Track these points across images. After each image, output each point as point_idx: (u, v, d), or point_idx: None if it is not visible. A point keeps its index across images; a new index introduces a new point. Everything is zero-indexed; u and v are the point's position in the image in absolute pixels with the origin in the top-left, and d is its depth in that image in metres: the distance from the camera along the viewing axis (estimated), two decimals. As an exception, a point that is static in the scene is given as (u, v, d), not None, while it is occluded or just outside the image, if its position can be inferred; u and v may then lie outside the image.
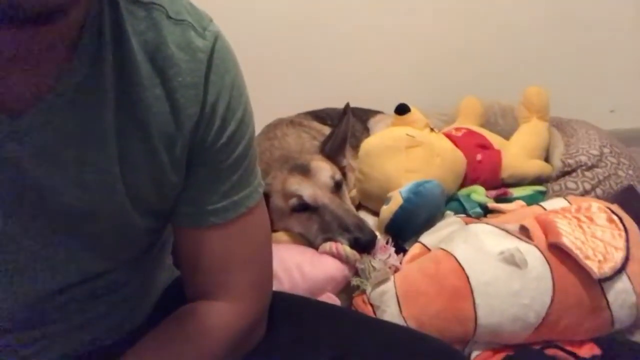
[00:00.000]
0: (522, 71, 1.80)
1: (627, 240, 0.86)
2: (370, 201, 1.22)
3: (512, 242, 0.87)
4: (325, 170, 1.05)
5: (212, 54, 0.56)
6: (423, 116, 1.29)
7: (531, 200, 1.18)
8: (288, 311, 0.72)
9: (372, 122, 1.64)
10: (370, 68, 2.00)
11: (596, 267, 0.81)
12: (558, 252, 0.85)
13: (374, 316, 0.87)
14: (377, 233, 1.03)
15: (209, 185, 0.61)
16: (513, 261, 0.83)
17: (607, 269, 0.82)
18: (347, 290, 0.94)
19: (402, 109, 1.28)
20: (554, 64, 1.83)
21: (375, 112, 1.71)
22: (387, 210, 1.01)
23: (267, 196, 1.07)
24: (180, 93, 0.54)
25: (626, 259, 0.84)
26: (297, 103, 1.61)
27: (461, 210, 1.15)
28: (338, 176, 1.06)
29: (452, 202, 1.19)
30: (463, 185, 1.28)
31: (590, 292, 0.82)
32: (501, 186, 1.28)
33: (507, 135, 1.50)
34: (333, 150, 1.13)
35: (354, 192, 1.25)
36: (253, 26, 1.83)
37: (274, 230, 1.08)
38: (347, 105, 1.15)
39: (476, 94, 1.71)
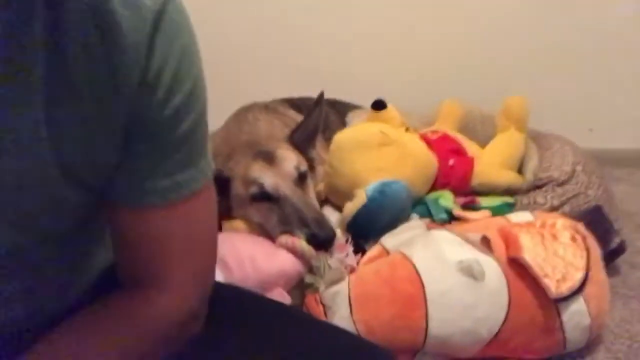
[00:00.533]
0: (507, 80, 1.78)
1: (588, 261, 0.84)
2: (336, 196, 1.18)
3: (471, 253, 0.84)
4: (290, 160, 1.01)
5: (161, 15, 0.50)
6: (399, 114, 1.26)
7: (498, 211, 1.16)
8: (231, 307, 0.68)
9: (351, 116, 1.61)
10: (354, 61, 1.97)
11: (554, 287, 0.79)
12: (517, 267, 0.83)
13: (323, 317, 0.84)
14: (339, 230, 0.99)
15: (149, 161, 0.56)
16: (470, 272, 0.81)
17: (564, 289, 0.80)
18: (300, 287, 0.91)
19: (378, 105, 1.24)
20: (539, 76, 1.82)
21: (355, 107, 1.67)
22: (350, 208, 0.98)
23: (227, 181, 1.03)
24: (119, 55, 0.49)
25: (584, 280, 0.82)
26: (277, 90, 1.57)
27: (427, 214, 1.12)
28: (303, 167, 1.02)
29: (419, 206, 1.16)
30: (433, 189, 1.25)
31: (545, 312, 0.80)
32: (471, 194, 1.26)
33: (484, 142, 1.48)
34: (302, 140, 1.09)
35: (321, 186, 1.22)
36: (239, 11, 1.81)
37: (233, 218, 1.04)
38: (321, 94, 1.11)
39: (459, 98, 1.69)
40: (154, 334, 0.57)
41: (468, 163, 1.28)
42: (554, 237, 0.86)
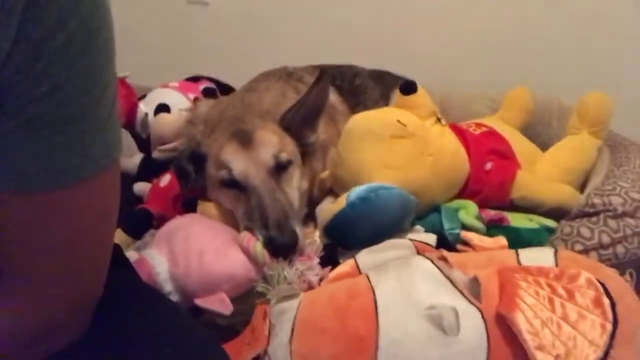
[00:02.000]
0: (595, 70, 1.46)
1: (612, 337, 0.62)
2: (340, 188, 1.02)
3: (450, 297, 0.66)
4: (269, 145, 0.86)
5: None
6: (431, 102, 1.04)
7: (533, 236, 0.94)
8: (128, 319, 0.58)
9: (395, 94, 1.41)
10: (417, 33, 1.76)
11: (547, 365, 0.59)
12: (506, 328, 0.63)
13: (266, 335, 0.71)
14: (317, 234, 0.85)
15: (20, 141, 0.47)
16: (440, 323, 0.63)
17: (564, 370, 0.59)
18: (251, 295, 0.78)
19: (407, 88, 1.04)
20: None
21: (408, 82, 1.47)
22: (328, 210, 0.82)
23: (204, 158, 0.91)
24: None
25: (601, 363, 0.61)
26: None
27: (439, 226, 0.93)
28: (285, 156, 0.88)
29: (433, 214, 0.97)
30: (461, 196, 1.04)
31: (530, 394, 0.61)
32: (509, 208, 1.04)
33: (558, 141, 1.23)
34: (295, 122, 0.93)
35: (326, 174, 1.06)
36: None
37: (207, 199, 0.93)
38: (323, 71, 0.94)
39: (536, 86, 1.42)
40: None
41: (509, 169, 1.05)
42: (570, 295, 0.65)
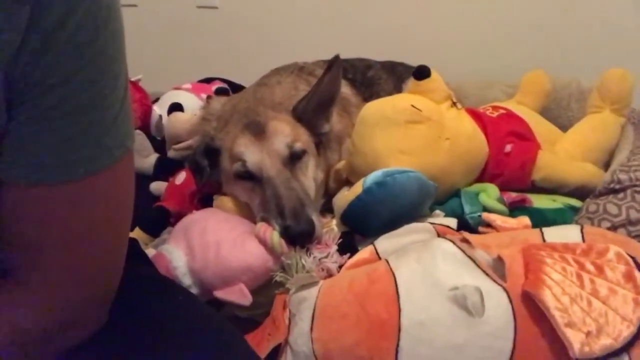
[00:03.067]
0: (617, 50, 1.42)
1: (646, 312, 0.59)
2: (355, 178, 0.99)
3: (474, 278, 0.64)
4: (282, 135, 0.85)
5: None
6: (445, 86, 1.02)
7: (558, 217, 0.91)
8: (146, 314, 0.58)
9: (409, 83, 1.39)
10: (425, 20, 1.73)
11: (579, 342, 0.57)
12: (533, 307, 0.61)
13: (286, 324, 0.70)
14: (334, 223, 0.83)
15: (34, 133, 0.47)
16: (464, 304, 0.61)
17: (596, 347, 0.57)
18: (270, 285, 0.77)
19: (421, 73, 1.02)
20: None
21: (420, 72, 1.44)
22: (345, 198, 0.81)
23: (218, 152, 0.91)
24: None
25: (635, 338, 0.58)
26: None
27: (461, 210, 0.91)
28: (299, 145, 0.86)
29: (453, 199, 0.95)
30: (481, 179, 1.02)
31: (562, 373, 0.58)
32: (531, 190, 1.01)
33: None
34: (307, 112, 0.92)
35: (342, 164, 1.05)
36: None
37: (222, 194, 0.93)
38: (336, 57, 0.93)
39: (554, 68, 1.39)
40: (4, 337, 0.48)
41: (530, 150, 1.02)
42: (600, 270, 0.62)
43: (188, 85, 1.54)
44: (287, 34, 1.98)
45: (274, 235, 0.76)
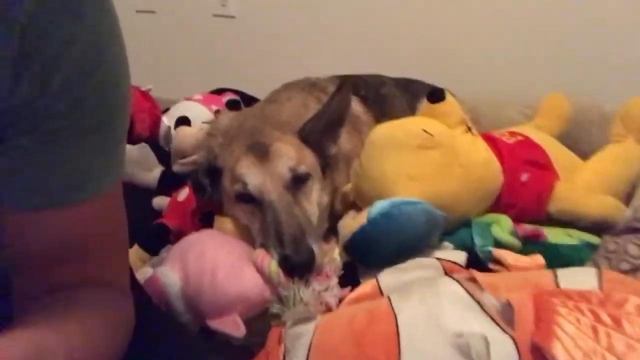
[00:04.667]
0: (637, 74, 1.37)
1: (668, 372, 0.55)
2: (362, 202, 0.97)
3: (480, 324, 0.60)
4: (286, 158, 0.82)
5: None
6: (460, 110, 0.98)
7: (573, 254, 0.86)
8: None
9: (422, 103, 1.35)
10: (447, 36, 1.70)
11: (592, 404, 0.52)
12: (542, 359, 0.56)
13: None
14: (337, 251, 0.80)
15: (35, 156, 0.47)
16: (468, 353, 0.57)
17: (611, 410, 0.52)
18: (266, 316, 0.74)
19: (434, 96, 0.98)
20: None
21: (436, 90, 1.41)
22: (348, 227, 0.77)
23: (220, 172, 0.88)
24: None
25: (654, 402, 0.53)
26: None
27: (469, 243, 0.87)
28: (303, 169, 0.83)
29: (464, 230, 0.91)
30: (494, 209, 0.98)
31: None
32: (546, 222, 0.96)
33: (599, 151, 1.14)
34: (314, 133, 0.89)
35: (349, 186, 1.01)
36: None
37: (224, 214, 0.90)
38: (345, 80, 0.89)
39: (573, 86, 1.35)
40: (124, 327, 0.53)
41: (547, 180, 0.97)
42: (617, 323, 0.57)
43: (199, 96, 1.52)
44: (304, 46, 1.97)
45: (271, 265, 0.72)
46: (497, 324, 0.59)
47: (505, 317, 0.60)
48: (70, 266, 0.50)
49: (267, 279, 0.72)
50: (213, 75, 1.95)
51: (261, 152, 0.83)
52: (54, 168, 0.47)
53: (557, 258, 0.84)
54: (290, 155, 0.83)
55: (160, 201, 1.08)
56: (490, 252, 0.82)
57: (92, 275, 0.52)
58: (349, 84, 0.89)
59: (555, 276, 0.66)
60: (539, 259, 0.74)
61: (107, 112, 0.49)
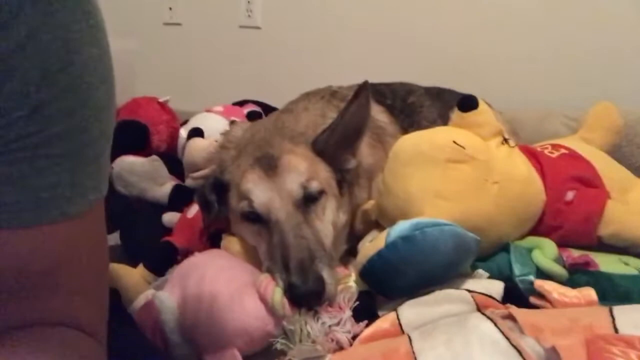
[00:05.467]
0: None
1: None
2: (385, 221, 0.87)
3: (520, 376, 0.49)
4: (296, 173, 0.74)
5: None
6: (495, 120, 0.88)
7: (631, 285, 0.74)
8: None
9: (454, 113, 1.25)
10: (484, 43, 1.60)
11: None
12: None
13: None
14: (353, 278, 0.71)
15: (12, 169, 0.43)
16: (504, 413, 0.46)
17: None
18: (270, 352, 0.65)
19: (466, 104, 0.88)
20: None
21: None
22: (364, 252, 0.68)
23: (227, 187, 0.80)
24: None
25: None
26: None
27: (507, 271, 0.76)
28: (315, 185, 0.74)
29: (501, 255, 0.80)
30: (536, 232, 0.86)
31: None
32: (597, 248, 0.84)
33: None
34: (330, 145, 0.80)
35: (370, 203, 0.92)
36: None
37: (232, 233, 0.82)
38: (365, 83, 0.80)
39: (622, 97, 1.23)
40: None
41: (596, 199, 0.85)
42: (695, 381, 0.46)
43: (220, 108, 1.46)
44: (330, 57, 1.91)
45: (275, 293, 0.64)
46: (540, 377, 0.49)
47: (551, 368, 0.50)
48: (30, 301, 0.44)
49: (270, 309, 0.64)
50: (237, 86, 1.92)
51: (269, 166, 0.74)
52: (7, 183, 0.41)
53: (612, 291, 0.72)
54: (301, 169, 0.75)
55: (170, 217, 1.02)
56: (531, 282, 0.72)
57: (57, 314, 0.45)
58: (367, 88, 0.80)
59: (612, 316, 0.55)
60: (590, 294, 0.63)
61: (76, 121, 0.43)
